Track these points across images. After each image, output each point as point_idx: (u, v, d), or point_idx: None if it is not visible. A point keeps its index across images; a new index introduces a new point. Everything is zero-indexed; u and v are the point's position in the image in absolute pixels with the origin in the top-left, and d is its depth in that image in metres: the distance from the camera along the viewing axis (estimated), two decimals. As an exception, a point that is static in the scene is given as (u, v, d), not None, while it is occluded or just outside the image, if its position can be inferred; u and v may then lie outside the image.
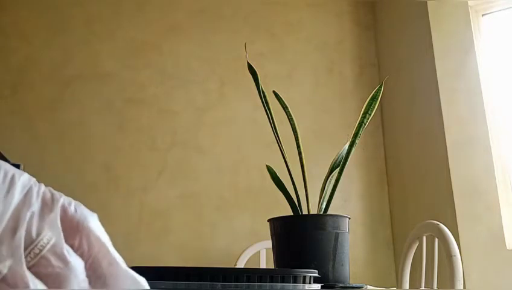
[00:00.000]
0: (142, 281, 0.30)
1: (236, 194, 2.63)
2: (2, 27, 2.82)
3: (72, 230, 0.26)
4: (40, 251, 0.24)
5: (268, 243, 1.06)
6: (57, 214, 0.26)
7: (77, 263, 0.26)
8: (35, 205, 0.26)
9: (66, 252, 0.25)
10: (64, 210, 0.26)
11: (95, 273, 0.27)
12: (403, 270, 1.60)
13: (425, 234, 1.53)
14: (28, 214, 0.25)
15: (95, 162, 2.60)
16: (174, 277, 0.57)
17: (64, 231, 0.26)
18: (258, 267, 2.17)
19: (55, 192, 0.27)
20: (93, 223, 0.27)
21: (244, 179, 2.65)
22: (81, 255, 0.26)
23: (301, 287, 0.61)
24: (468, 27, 2.37)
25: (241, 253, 2.20)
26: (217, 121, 2.75)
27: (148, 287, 0.31)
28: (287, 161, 0.96)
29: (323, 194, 0.95)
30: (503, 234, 2.09)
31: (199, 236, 2.56)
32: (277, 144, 0.96)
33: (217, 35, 2.88)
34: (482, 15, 2.43)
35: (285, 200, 0.95)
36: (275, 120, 0.96)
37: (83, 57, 2.79)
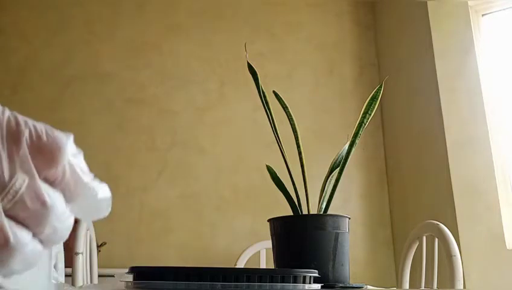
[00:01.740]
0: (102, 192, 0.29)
1: (236, 194, 2.63)
2: (2, 27, 2.82)
3: (46, 161, 0.25)
4: (14, 196, 0.23)
5: (268, 243, 1.06)
6: (25, 150, 0.24)
7: (55, 198, 0.25)
8: (2, 139, 0.24)
9: (42, 191, 0.25)
10: (32, 140, 0.25)
11: (65, 193, 0.26)
12: (403, 270, 1.60)
13: (425, 234, 1.53)
14: None
15: (95, 162, 2.58)
16: (174, 277, 0.58)
17: (36, 164, 0.25)
18: (258, 267, 2.17)
19: (20, 119, 0.25)
20: (68, 149, 0.26)
21: (244, 179, 2.65)
22: (55, 182, 0.26)
23: (301, 287, 0.61)
24: (468, 27, 2.37)
25: (241, 253, 2.20)
26: (217, 121, 2.75)
27: (110, 195, 0.30)
28: (287, 161, 0.96)
29: (323, 194, 0.95)
30: (503, 234, 2.09)
31: (199, 236, 2.56)
32: (277, 144, 0.96)
33: (217, 35, 2.88)
34: (482, 15, 2.43)
35: (285, 200, 0.95)
36: (275, 120, 0.96)
37: (83, 57, 2.79)
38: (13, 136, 0.25)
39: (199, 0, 2.95)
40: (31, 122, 0.26)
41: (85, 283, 1.57)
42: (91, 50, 2.81)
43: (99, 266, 1.82)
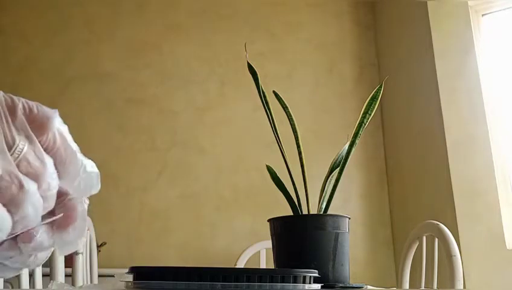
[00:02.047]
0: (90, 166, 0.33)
1: (236, 194, 2.63)
2: (2, 27, 2.82)
3: (38, 129, 0.29)
4: (19, 155, 0.27)
5: (268, 243, 1.06)
6: (22, 119, 0.29)
7: (49, 161, 0.30)
8: (3, 111, 0.29)
9: (41, 151, 0.29)
10: (25, 112, 0.29)
11: (57, 160, 0.30)
12: (403, 270, 1.60)
13: (425, 234, 1.53)
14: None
15: (94, 162, 2.59)
16: (174, 277, 0.58)
17: (32, 130, 0.29)
18: (258, 267, 2.17)
19: (13, 96, 0.30)
20: (56, 119, 0.30)
21: (244, 179, 2.65)
22: (47, 149, 0.30)
23: (301, 287, 0.61)
24: (468, 27, 2.37)
25: (241, 253, 2.20)
26: (217, 121, 2.75)
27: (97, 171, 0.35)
28: (287, 161, 0.96)
29: (323, 194, 0.95)
30: (503, 234, 2.09)
31: (199, 236, 2.56)
32: (277, 144, 0.96)
33: (217, 35, 2.88)
34: (482, 15, 2.43)
35: (285, 200, 0.95)
36: (275, 120, 0.96)
37: (83, 57, 2.79)
38: (10, 109, 0.30)
39: (199, 0, 2.95)
40: (22, 98, 0.31)
41: (85, 283, 1.58)
42: (91, 50, 2.81)
43: (99, 266, 1.82)
